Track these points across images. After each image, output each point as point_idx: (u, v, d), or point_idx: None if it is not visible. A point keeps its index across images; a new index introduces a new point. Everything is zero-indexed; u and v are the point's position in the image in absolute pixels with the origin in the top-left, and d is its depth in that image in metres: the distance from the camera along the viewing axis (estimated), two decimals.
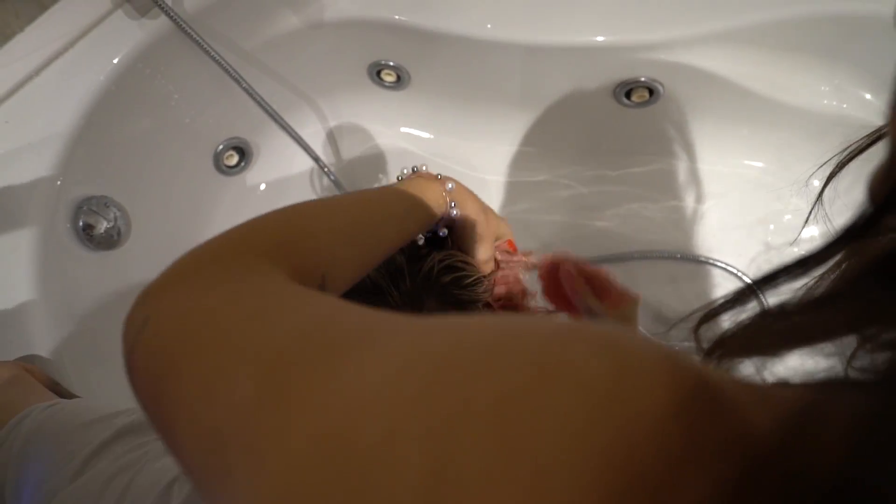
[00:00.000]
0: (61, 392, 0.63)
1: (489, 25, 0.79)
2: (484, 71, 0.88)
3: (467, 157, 1.02)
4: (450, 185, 0.43)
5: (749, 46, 0.77)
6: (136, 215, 0.81)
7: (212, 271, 0.26)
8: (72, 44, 0.72)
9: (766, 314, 0.21)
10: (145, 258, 0.81)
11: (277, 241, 0.29)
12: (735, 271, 0.92)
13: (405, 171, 0.46)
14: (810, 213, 0.31)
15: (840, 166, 0.25)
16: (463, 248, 0.46)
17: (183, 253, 0.28)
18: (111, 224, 0.77)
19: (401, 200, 0.40)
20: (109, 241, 0.77)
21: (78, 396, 0.63)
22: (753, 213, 0.93)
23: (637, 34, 0.77)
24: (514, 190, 1.01)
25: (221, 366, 0.20)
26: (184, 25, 0.72)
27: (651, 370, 0.14)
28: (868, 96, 0.79)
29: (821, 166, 0.29)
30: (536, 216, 1.01)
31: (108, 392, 0.67)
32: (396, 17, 0.82)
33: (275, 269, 0.27)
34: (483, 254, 0.46)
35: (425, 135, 1.03)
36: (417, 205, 0.40)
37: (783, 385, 0.17)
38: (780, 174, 0.92)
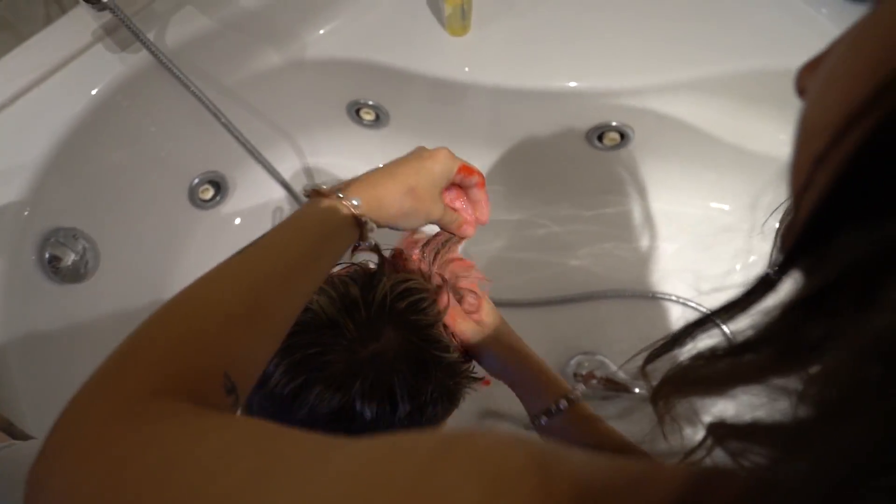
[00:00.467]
0: (15, 433, 0.61)
1: (466, 69, 0.84)
2: (461, 112, 0.92)
3: None
4: (355, 202, 0.39)
5: (714, 95, 0.82)
6: (106, 248, 0.81)
7: (96, 435, 0.23)
8: (49, 74, 0.73)
9: (699, 355, 0.22)
10: (113, 292, 0.81)
11: (162, 360, 0.27)
12: (702, 309, 0.95)
13: (307, 189, 0.41)
14: (770, 254, 0.34)
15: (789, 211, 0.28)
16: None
17: (78, 389, 0.26)
18: (78, 256, 0.77)
19: (301, 243, 0.36)
20: (76, 274, 0.77)
21: (34, 437, 0.62)
22: (722, 253, 0.97)
23: (609, 81, 0.82)
24: (490, 228, 1.02)
25: None
26: (165, 60, 0.74)
27: (521, 491, 0.16)
28: None
29: (773, 212, 0.32)
30: (512, 254, 1.04)
31: None
32: (377, 58, 0.85)
33: (169, 403, 0.25)
34: (433, 219, 0.44)
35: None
36: (322, 241, 0.37)
37: (676, 467, 0.19)
38: (745, 216, 0.97)
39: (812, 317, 0.17)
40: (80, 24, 0.74)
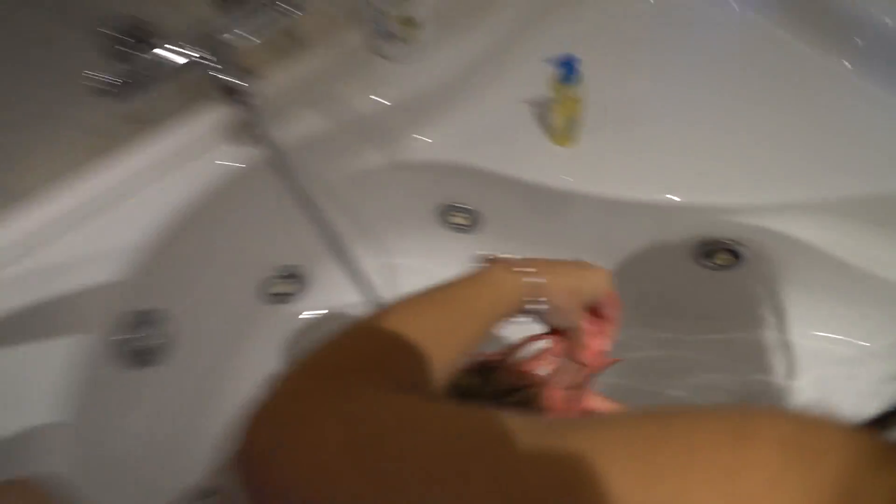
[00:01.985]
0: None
1: (570, 178, 0.89)
2: (557, 220, 0.96)
3: None
4: (539, 279, 0.47)
5: (844, 218, 0.84)
6: (184, 330, 0.85)
7: (323, 393, 0.31)
8: (177, 161, 0.81)
9: None
10: (182, 379, 0.84)
11: (373, 359, 0.35)
12: None
13: (487, 258, 0.49)
14: None
15: None
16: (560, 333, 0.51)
17: (279, 376, 0.33)
18: (161, 340, 0.82)
19: (479, 296, 0.44)
20: (151, 358, 0.81)
21: None
22: (850, 395, 0.94)
23: (722, 196, 0.85)
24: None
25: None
26: (283, 156, 0.80)
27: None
28: None
29: None
30: (603, 378, 1.02)
31: None
32: (478, 162, 0.92)
33: (376, 385, 0.32)
34: (573, 320, 0.51)
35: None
36: (496, 299, 0.45)
37: None
38: (876, 353, 0.94)
39: None
40: (209, 115, 0.83)
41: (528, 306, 0.48)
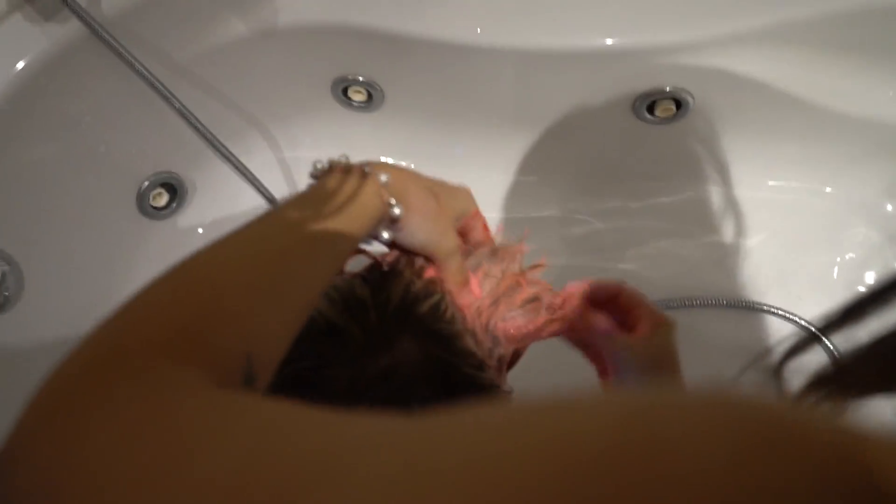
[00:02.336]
0: None
1: (479, 29, 0.78)
2: (473, 85, 0.87)
3: None
4: (383, 178, 0.40)
5: (795, 46, 0.76)
6: (32, 270, 0.75)
7: (93, 394, 0.22)
8: None
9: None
10: (41, 326, 0.74)
11: (177, 325, 0.26)
12: (796, 319, 0.87)
13: (319, 166, 0.41)
14: None
15: None
16: (417, 252, 0.43)
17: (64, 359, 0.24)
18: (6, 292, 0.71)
19: (325, 216, 0.36)
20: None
21: None
22: (810, 246, 0.90)
23: (658, 34, 0.76)
24: (515, 228, 0.97)
25: None
26: (100, 30, 0.69)
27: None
28: None
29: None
30: (546, 259, 0.97)
31: None
32: (366, 20, 0.80)
33: (180, 370, 0.24)
34: (444, 247, 0.43)
35: (404, 164, 0.99)
36: (347, 216, 0.37)
37: None
38: (839, 198, 0.90)
39: None
40: None
41: (382, 228, 0.41)
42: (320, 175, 0.40)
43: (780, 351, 0.29)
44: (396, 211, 0.39)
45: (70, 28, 0.70)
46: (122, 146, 0.83)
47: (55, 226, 0.78)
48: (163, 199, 0.90)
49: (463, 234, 0.47)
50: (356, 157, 0.42)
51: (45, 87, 0.72)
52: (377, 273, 0.43)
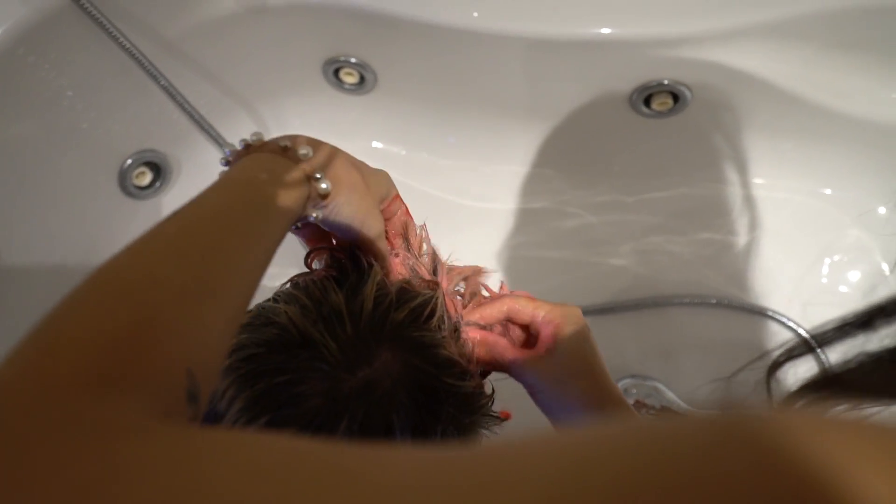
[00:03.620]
0: None
1: (475, 13, 0.77)
2: (468, 71, 0.86)
3: (448, 178, 0.99)
4: (303, 151, 0.37)
5: (797, 43, 0.75)
6: (10, 251, 0.73)
7: (14, 456, 0.18)
8: None
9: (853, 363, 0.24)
10: (19, 306, 0.73)
11: (110, 345, 0.23)
12: (784, 320, 0.88)
13: (228, 150, 0.39)
14: None
15: None
16: (345, 233, 0.41)
17: None
18: None
19: (250, 202, 0.34)
20: None
21: None
22: (803, 246, 0.91)
23: (657, 26, 0.75)
24: (506, 220, 0.98)
25: None
26: (83, 1, 0.67)
27: None
28: None
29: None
30: (535, 252, 0.98)
31: None
32: (360, 0, 0.78)
33: (121, 406, 0.21)
34: (374, 226, 0.41)
35: (395, 150, 1.00)
36: (274, 198, 0.35)
37: None
38: (835, 199, 0.90)
39: None
40: None
41: (311, 207, 0.37)
42: (233, 159, 0.38)
43: (772, 356, 0.29)
44: (323, 185, 0.37)
45: None
46: (106, 123, 0.81)
47: (34, 204, 0.76)
48: (146, 179, 0.88)
49: (384, 217, 0.45)
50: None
51: (24, 58, 0.70)
52: (347, 273, 0.41)
